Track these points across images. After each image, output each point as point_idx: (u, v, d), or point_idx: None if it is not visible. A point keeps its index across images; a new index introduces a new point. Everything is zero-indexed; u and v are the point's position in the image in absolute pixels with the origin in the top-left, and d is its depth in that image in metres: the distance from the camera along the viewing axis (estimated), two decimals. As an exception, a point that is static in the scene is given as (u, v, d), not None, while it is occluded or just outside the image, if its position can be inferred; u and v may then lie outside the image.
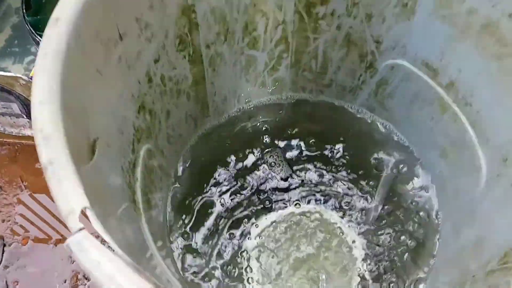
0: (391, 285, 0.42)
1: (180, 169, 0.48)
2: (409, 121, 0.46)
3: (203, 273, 0.43)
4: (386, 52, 0.42)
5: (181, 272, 0.43)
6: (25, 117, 0.60)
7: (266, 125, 0.51)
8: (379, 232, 0.45)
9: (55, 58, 0.25)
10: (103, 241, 0.21)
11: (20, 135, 0.64)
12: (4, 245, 0.55)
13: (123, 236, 0.27)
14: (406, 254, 0.43)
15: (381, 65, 0.44)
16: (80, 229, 0.21)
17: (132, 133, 0.36)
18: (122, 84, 0.34)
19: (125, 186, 0.34)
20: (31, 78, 0.52)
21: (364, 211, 0.46)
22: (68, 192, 0.22)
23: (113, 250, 0.21)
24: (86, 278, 0.53)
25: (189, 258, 0.44)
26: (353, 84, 0.48)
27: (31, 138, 0.62)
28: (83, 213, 0.22)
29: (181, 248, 0.44)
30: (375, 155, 0.48)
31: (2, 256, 0.54)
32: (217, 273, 0.43)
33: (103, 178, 0.29)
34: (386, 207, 0.46)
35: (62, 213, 0.22)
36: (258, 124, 0.51)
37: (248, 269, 0.44)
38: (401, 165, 0.47)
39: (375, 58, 0.44)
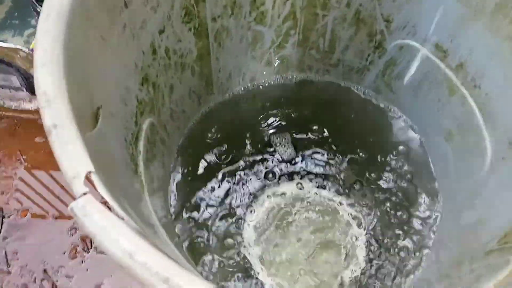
0: (389, 262, 0.42)
1: (183, 145, 0.47)
2: (415, 104, 0.46)
3: (203, 241, 0.43)
4: (395, 31, 0.42)
5: (183, 246, 0.43)
6: (24, 90, 0.60)
7: (270, 105, 0.50)
8: (378, 211, 0.45)
9: (58, 20, 0.25)
10: (107, 206, 0.21)
11: (20, 108, 0.63)
12: (3, 217, 0.55)
13: (127, 204, 0.26)
14: (405, 233, 0.43)
15: (390, 45, 0.43)
16: (84, 193, 0.21)
17: (135, 105, 0.36)
18: (126, 54, 0.33)
19: (128, 159, 0.34)
20: (31, 51, 0.51)
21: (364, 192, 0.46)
22: (72, 156, 0.21)
23: (118, 215, 0.21)
24: (84, 251, 0.53)
25: (192, 230, 0.44)
26: (360, 65, 0.47)
27: (30, 112, 0.61)
28: (88, 177, 0.21)
29: (182, 221, 0.44)
30: (380, 138, 0.48)
31: (1, 227, 0.54)
32: (215, 241, 0.43)
33: (107, 147, 0.29)
34: (387, 188, 0.46)
35: (66, 177, 0.21)
36: (263, 104, 0.50)
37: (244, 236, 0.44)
38: (405, 147, 0.47)
39: (384, 37, 0.43)
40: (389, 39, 0.43)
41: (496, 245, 0.32)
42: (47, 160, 0.58)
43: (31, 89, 0.58)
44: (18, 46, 0.51)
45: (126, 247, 0.20)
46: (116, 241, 0.20)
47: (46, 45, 0.24)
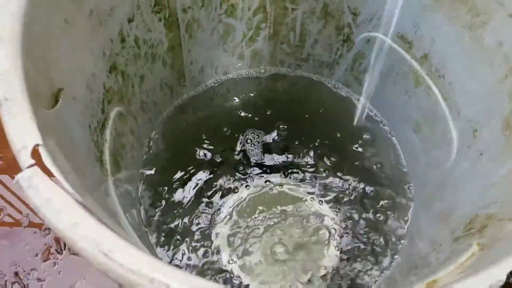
0: (362, 258, 0.42)
1: (154, 138, 0.47)
2: (383, 96, 0.46)
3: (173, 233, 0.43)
4: (362, 24, 0.42)
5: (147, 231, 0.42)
6: None
7: (243, 99, 0.50)
8: (350, 206, 0.45)
9: (19, -1, 0.25)
10: (55, 179, 0.21)
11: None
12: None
13: (84, 187, 0.26)
14: (378, 228, 0.43)
15: (358, 38, 0.44)
16: (31, 165, 0.21)
17: (102, 92, 0.36)
18: (93, 40, 0.33)
19: (91, 145, 0.34)
20: None
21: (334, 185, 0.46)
22: (21, 128, 0.21)
23: (63, 188, 0.21)
24: (58, 252, 0.52)
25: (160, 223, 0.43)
26: (330, 59, 0.48)
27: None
28: (36, 150, 0.21)
29: (148, 215, 0.44)
30: (350, 130, 0.48)
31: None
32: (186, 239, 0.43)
33: (67, 129, 0.29)
34: (359, 182, 0.46)
35: (14, 149, 0.21)
36: (235, 97, 0.51)
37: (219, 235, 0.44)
38: (376, 140, 0.47)
39: (351, 30, 0.43)
40: (356, 32, 0.43)
41: (461, 232, 0.32)
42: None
43: None
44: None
45: (70, 218, 0.20)
46: (59, 212, 0.20)
47: (5, 22, 0.24)
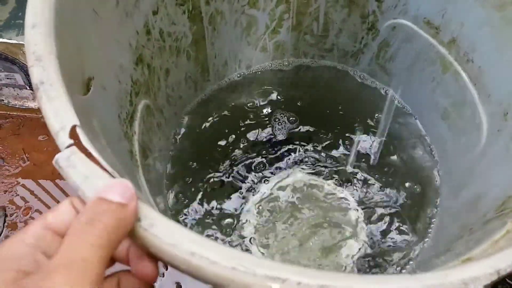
0: (386, 242, 0.42)
1: (180, 132, 0.48)
2: (410, 85, 0.46)
3: (193, 217, 0.43)
4: (387, 11, 0.42)
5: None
6: (28, 88, 0.61)
7: (266, 92, 0.50)
8: (378, 193, 0.44)
9: (49, -14, 0.25)
10: (92, 159, 0.21)
11: (24, 107, 0.64)
12: (6, 216, 0.56)
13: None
14: (407, 216, 0.43)
15: (383, 25, 0.43)
16: (70, 145, 0.21)
17: (129, 84, 0.36)
18: (120, 31, 0.34)
19: (121, 135, 0.34)
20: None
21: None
22: (59, 110, 0.22)
23: (102, 167, 0.21)
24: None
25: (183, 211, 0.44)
26: (354, 48, 0.47)
27: (34, 111, 0.62)
28: (74, 130, 0.21)
29: (175, 206, 0.44)
30: (377, 120, 0.48)
31: (4, 226, 0.54)
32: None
33: (99, 116, 0.29)
34: (387, 170, 0.45)
35: (52, 130, 0.22)
36: (258, 91, 0.51)
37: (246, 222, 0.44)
38: (402, 129, 0.47)
39: (376, 18, 0.43)
40: (382, 20, 0.43)
41: (494, 214, 0.32)
42: (50, 159, 0.59)
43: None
44: (21, 42, 0.52)
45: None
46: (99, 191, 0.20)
47: (37, 7, 0.25)
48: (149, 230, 0.19)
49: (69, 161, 0.20)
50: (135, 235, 0.19)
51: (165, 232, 0.19)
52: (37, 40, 0.23)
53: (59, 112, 0.22)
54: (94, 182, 0.20)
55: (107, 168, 0.21)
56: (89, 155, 0.21)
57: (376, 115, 0.48)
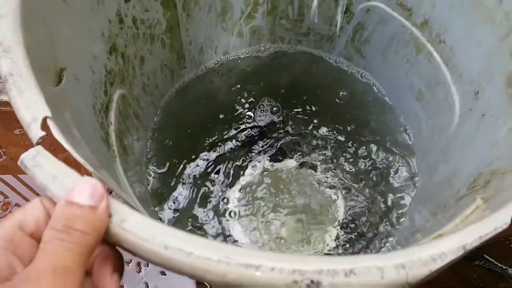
0: (367, 224, 0.43)
1: (158, 121, 0.47)
2: (385, 67, 0.46)
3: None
4: (361, -6, 0.42)
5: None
6: (1, 81, 0.59)
7: (243, 79, 0.50)
8: (356, 175, 0.45)
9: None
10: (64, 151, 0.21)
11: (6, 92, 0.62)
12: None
13: (92, 157, 0.26)
14: (383, 197, 0.44)
15: (357, 8, 0.44)
16: (39, 140, 0.21)
17: (103, 74, 0.36)
18: (91, 20, 0.33)
19: (97, 126, 0.34)
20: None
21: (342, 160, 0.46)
22: (29, 101, 0.21)
23: (75, 158, 0.21)
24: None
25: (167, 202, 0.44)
26: (330, 32, 0.47)
27: (9, 104, 0.60)
28: (45, 122, 0.21)
29: (158, 195, 0.44)
30: (352, 104, 0.48)
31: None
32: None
33: (72, 107, 0.29)
34: (363, 152, 0.46)
35: (23, 123, 0.21)
36: (236, 77, 0.50)
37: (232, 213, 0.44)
38: (377, 111, 0.48)
39: (351, 1, 0.43)
40: (356, 2, 0.43)
41: (466, 191, 0.33)
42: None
43: None
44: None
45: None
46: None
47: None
48: (120, 225, 0.19)
49: (35, 161, 0.20)
50: (107, 232, 0.19)
51: (137, 227, 0.19)
52: (5, 31, 0.23)
53: (30, 104, 0.21)
54: (63, 181, 0.19)
55: (80, 161, 0.21)
56: (61, 147, 0.21)
57: (353, 98, 0.49)
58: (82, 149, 0.24)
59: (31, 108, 0.21)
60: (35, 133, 0.21)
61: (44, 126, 0.21)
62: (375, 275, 0.17)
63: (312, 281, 0.17)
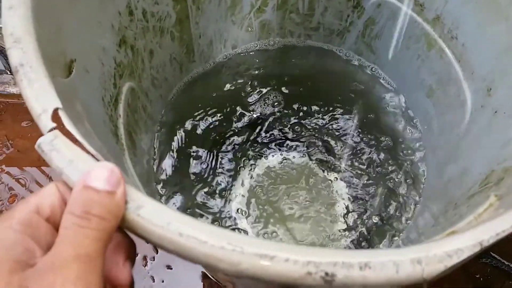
0: (374, 221, 0.42)
1: (167, 114, 0.47)
2: (396, 63, 0.46)
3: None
4: (372, -12, 0.42)
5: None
6: (9, 73, 0.59)
7: (253, 73, 0.50)
8: (365, 171, 0.45)
9: (25, -34, 0.25)
10: (76, 142, 0.21)
11: (5, 93, 0.62)
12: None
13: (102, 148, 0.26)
14: (393, 193, 0.44)
15: (368, 3, 0.43)
16: (52, 129, 0.20)
17: (113, 66, 0.36)
18: (101, 12, 0.33)
19: (106, 118, 0.34)
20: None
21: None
22: (39, 92, 0.21)
23: (86, 150, 0.21)
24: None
25: (175, 197, 0.44)
26: (340, 26, 0.47)
27: (16, 96, 0.60)
28: (56, 113, 0.21)
29: (165, 189, 0.44)
30: (362, 99, 0.48)
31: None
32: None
33: (82, 99, 0.29)
34: (373, 149, 0.46)
35: (33, 114, 0.21)
36: (245, 71, 0.50)
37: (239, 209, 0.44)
38: (387, 108, 0.47)
39: (361, -5, 0.43)
40: (367, -3, 0.43)
41: (478, 189, 0.32)
42: (34, 145, 0.57)
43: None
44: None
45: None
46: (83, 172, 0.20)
47: (13, -11, 0.24)
48: (136, 212, 0.19)
49: (52, 145, 0.20)
50: (123, 218, 0.19)
51: (152, 214, 0.19)
52: (15, 22, 0.23)
53: (40, 95, 0.21)
54: (79, 166, 0.19)
55: (92, 152, 0.21)
56: (72, 138, 0.21)
57: (363, 93, 0.48)
58: (94, 141, 0.24)
59: (41, 99, 0.21)
60: (45, 124, 0.21)
61: (55, 117, 0.21)
62: (391, 269, 0.17)
63: (326, 273, 0.17)
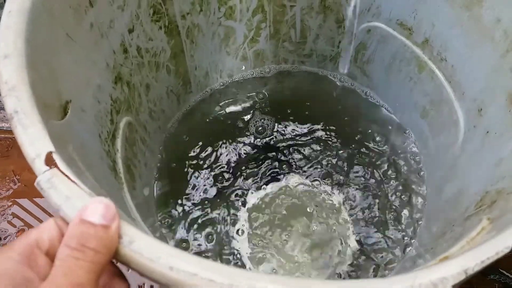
0: (376, 245, 0.42)
1: (165, 145, 0.48)
2: (389, 85, 0.47)
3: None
4: (361, 15, 0.43)
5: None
6: (14, 109, 0.61)
7: (249, 99, 0.51)
8: (364, 194, 0.45)
9: (19, 16, 0.26)
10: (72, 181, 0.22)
11: (11, 129, 0.64)
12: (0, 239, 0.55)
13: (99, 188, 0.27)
14: (393, 216, 0.43)
15: (358, 29, 0.44)
16: (50, 168, 0.21)
17: (109, 103, 0.37)
18: (96, 52, 0.34)
19: (103, 154, 0.34)
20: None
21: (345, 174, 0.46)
22: (33, 138, 0.22)
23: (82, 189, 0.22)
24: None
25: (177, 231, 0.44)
26: (333, 52, 0.48)
27: (21, 131, 0.62)
28: (49, 156, 0.22)
29: (166, 224, 0.44)
30: (358, 122, 0.48)
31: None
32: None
33: (78, 139, 0.30)
34: (372, 170, 0.46)
35: (28, 158, 0.22)
36: (242, 98, 0.51)
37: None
38: (384, 130, 0.48)
39: (351, 22, 0.44)
40: (356, 23, 0.44)
41: (473, 210, 0.32)
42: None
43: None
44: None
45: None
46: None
47: (8, 38, 0.25)
48: (128, 246, 0.19)
49: (50, 182, 0.21)
50: (116, 252, 0.20)
51: (144, 248, 0.19)
52: (10, 70, 0.24)
53: (34, 140, 0.22)
54: (75, 203, 0.20)
55: (86, 190, 0.22)
56: (68, 178, 0.22)
57: (358, 116, 0.49)
58: (88, 180, 0.24)
59: (35, 144, 0.22)
60: (39, 167, 0.21)
61: (49, 160, 0.22)
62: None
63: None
